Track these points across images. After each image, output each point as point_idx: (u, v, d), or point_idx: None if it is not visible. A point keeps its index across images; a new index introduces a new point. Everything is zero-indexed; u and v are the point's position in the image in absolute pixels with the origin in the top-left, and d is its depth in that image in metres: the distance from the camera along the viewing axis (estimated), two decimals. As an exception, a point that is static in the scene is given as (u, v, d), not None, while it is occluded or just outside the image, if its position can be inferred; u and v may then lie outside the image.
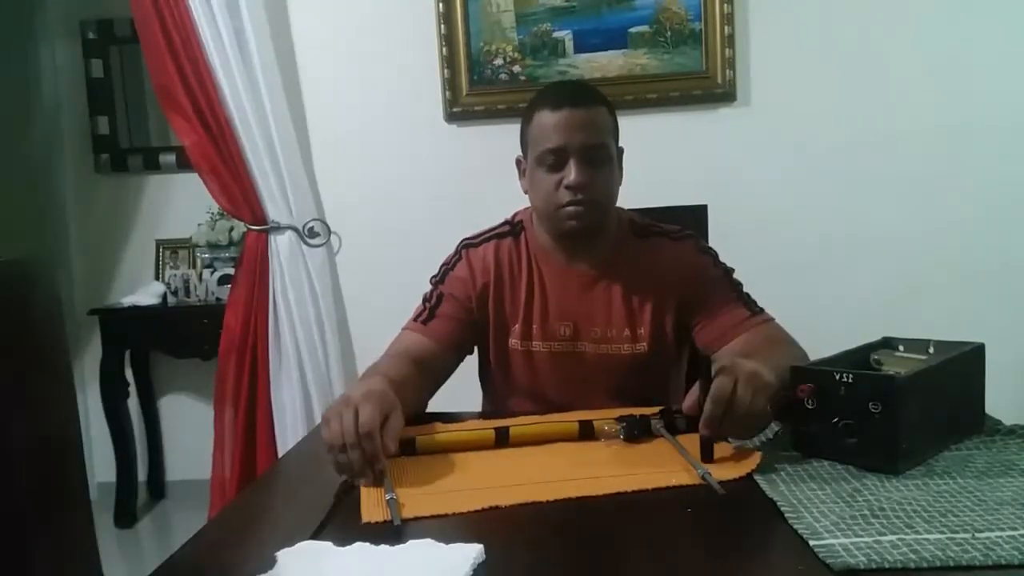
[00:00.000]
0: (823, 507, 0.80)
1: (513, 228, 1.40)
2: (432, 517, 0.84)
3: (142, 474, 2.89)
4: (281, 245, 2.50)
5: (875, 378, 0.98)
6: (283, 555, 0.74)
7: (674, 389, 1.40)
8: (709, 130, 2.52)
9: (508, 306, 1.36)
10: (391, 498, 0.86)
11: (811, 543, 0.72)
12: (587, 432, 1.08)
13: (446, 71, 2.54)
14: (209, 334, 2.55)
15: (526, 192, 1.34)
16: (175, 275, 2.70)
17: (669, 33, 2.48)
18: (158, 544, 2.66)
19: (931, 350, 1.08)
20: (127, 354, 2.77)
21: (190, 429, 2.85)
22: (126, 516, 2.72)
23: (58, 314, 1.04)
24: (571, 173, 1.23)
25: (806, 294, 2.42)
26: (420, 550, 0.75)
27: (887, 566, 0.68)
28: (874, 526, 0.75)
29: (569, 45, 2.52)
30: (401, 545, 0.76)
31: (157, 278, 2.84)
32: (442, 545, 0.74)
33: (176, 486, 2.97)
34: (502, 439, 1.07)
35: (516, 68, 2.54)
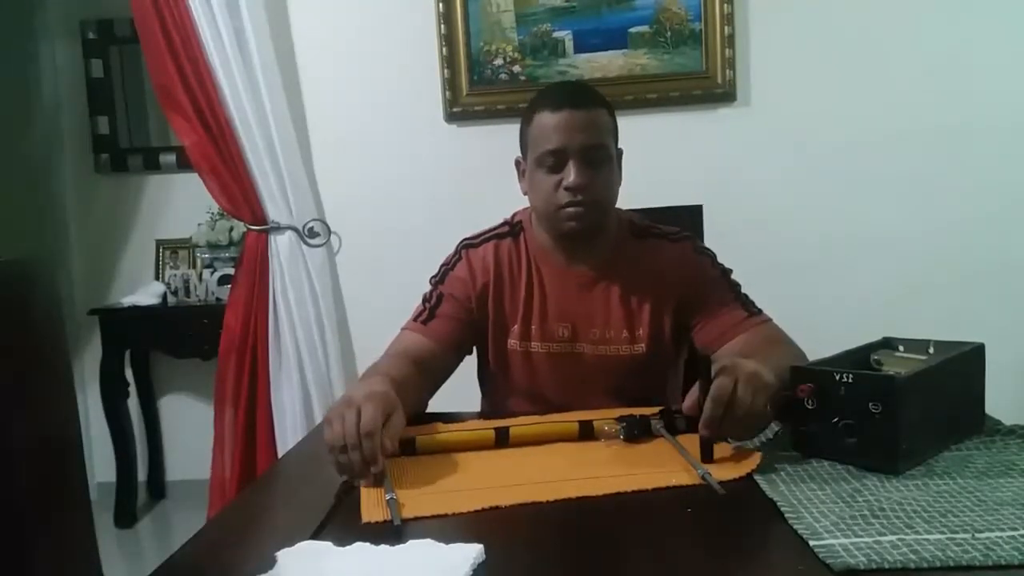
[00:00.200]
0: (823, 507, 0.80)
1: (512, 228, 1.40)
2: (432, 517, 0.84)
3: (142, 474, 2.89)
4: (281, 245, 2.50)
5: (875, 378, 0.98)
6: (283, 555, 0.74)
7: (672, 390, 1.41)
8: (709, 130, 2.52)
9: (507, 306, 1.36)
10: (391, 498, 0.86)
11: (811, 543, 0.72)
12: (587, 432, 1.08)
13: (446, 71, 2.54)
14: (209, 334, 2.55)
15: (525, 193, 1.34)
16: (175, 275, 2.70)
17: (669, 33, 2.48)
18: (158, 544, 2.66)
19: (931, 350, 1.08)
20: (127, 354, 2.77)
21: (190, 429, 2.85)
22: (126, 516, 2.72)
23: (58, 314, 1.04)
24: (571, 174, 1.23)
25: (806, 294, 2.42)
26: (420, 550, 0.75)
27: (887, 566, 0.68)
28: (874, 526, 0.75)
29: (569, 45, 2.52)
30: (401, 545, 0.76)
31: (157, 278, 2.84)
32: (442, 545, 0.74)
33: (176, 486, 2.97)
34: (502, 439, 1.07)
35: (516, 68, 2.54)
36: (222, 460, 2.51)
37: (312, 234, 2.56)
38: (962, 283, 2.46)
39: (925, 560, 0.68)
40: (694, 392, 0.98)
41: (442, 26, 2.51)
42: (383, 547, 0.76)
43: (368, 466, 0.91)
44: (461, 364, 1.39)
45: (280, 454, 2.43)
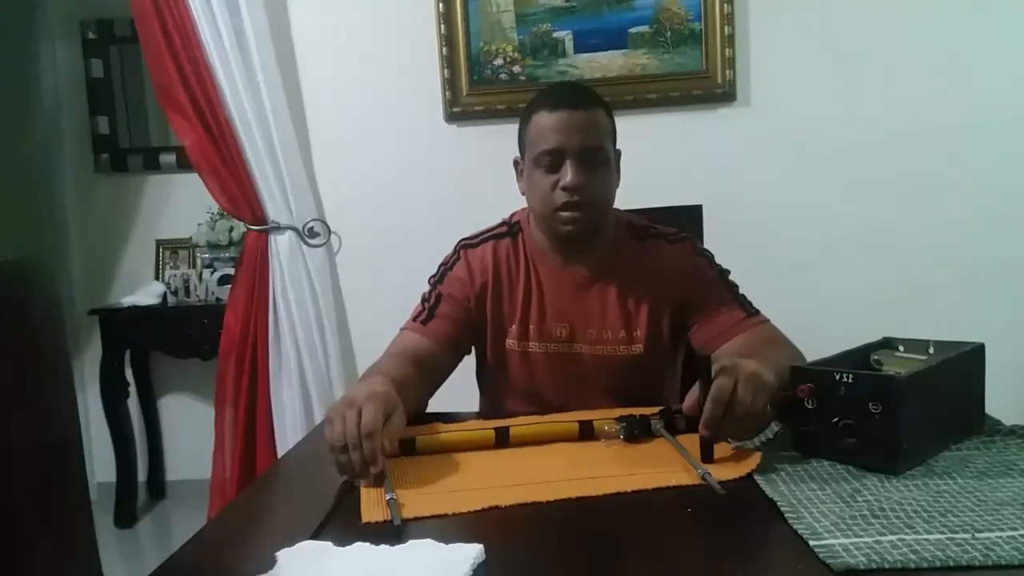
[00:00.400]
0: (823, 507, 0.80)
1: (511, 229, 1.40)
2: (432, 517, 0.84)
3: (142, 474, 2.89)
4: (281, 245, 2.50)
5: (875, 378, 0.98)
6: (283, 555, 0.74)
7: (670, 390, 1.41)
8: (709, 130, 2.52)
9: (505, 307, 1.36)
10: (391, 498, 0.86)
11: (811, 543, 0.72)
12: (587, 432, 1.08)
13: (446, 71, 2.54)
14: (209, 334, 2.55)
15: (523, 193, 1.34)
16: (175, 275, 2.70)
17: (669, 33, 2.48)
18: (158, 544, 2.66)
19: (931, 350, 1.08)
20: (127, 354, 2.77)
21: (190, 429, 2.85)
22: (126, 516, 2.72)
23: (58, 314, 1.04)
24: (567, 175, 1.23)
25: (806, 294, 2.42)
26: (420, 550, 0.75)
27: (887, 566, 0.68)
28: (874, 526, 0.75)
29: (569, 45, 2.52)
30: (401, 545, 0.76)
31: (157, 278, 2.84)
32: (442, 545, 0.74)
33: (176, 486, 2.97)
34: (502, 439, 1.07)
35: (516, 68, 2.54)
36: (222, 460, 2.51)
37: (312, 234, 2.56)
38: (962, 283, 2.46)
39: (925, 560, 0.68)
40: (694, 392, 0.98)
41: (442, 26, 2.51)
42: (383, 547, 0.76)
43: (368, 466, 0.91)
44: (460, 364, 1.39)
45: (280, 454, 2.43)
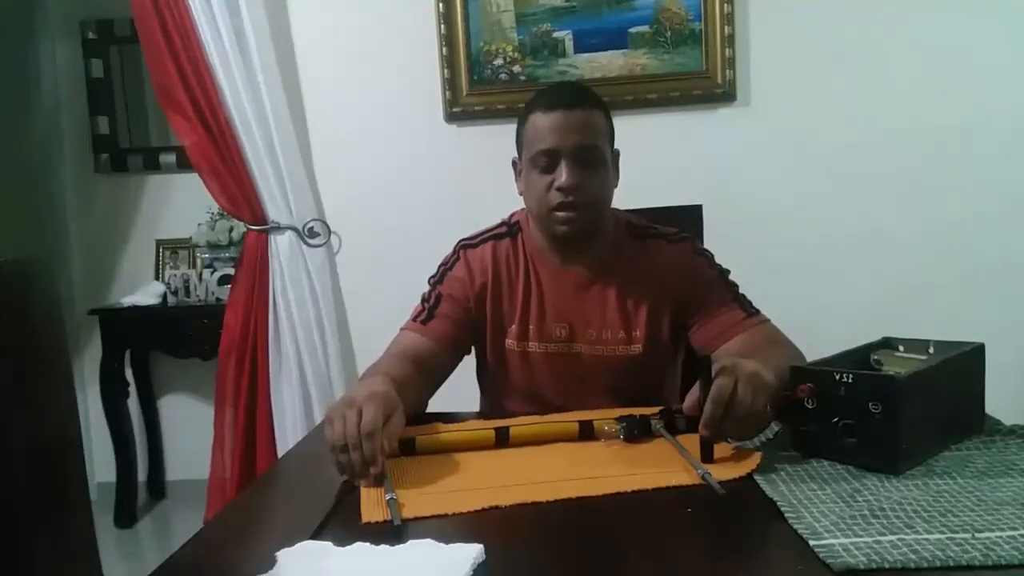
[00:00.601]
0: (823, 507, 0.80)
1: (510, 229, 1.40)
2: (432, 517, 0.84)
3: (142, 474, 2.89)
4: (281, 245, 2.50)
5: (875, 378, 0.98)
6: (283, 555, 0.74)
7: (670, 390, 1.41)
8: (709, 130, 2.52)
9: (505, 307, 1.36)
10: (391, 498, 0.86)
11: (811, 543, 0.72)
12: (587, 432, 1.08)
13: (446, 71, 2.54)
14: (209, 334, 2.55)
15: (521, 194, 1.34)
16: (175, 275, 2.70)
17: (669, 33, 2.48)
18: (158, 544, 2.66)
19: (931, 350, 1.08)
20: (127, 354, 2.77)
21: (190, 429, 2.85)
22: (126, 516, 2.72)
23: (58, 314, 1.04)
24: (563, 175, 1.23)
25: (806, 294, 2.42)
26: (420, 550, 0.75)
27: (887, 566, 0.68)
28: (874, 526, 0.75)
29: (569, 45, 2.52)
30: (401, 545, 0.76)
31: (157, 278, 2.84)
32: (442, 545, 0.74)
33: (176, 486, 2.97)
34: (502, 439, 1.07)
35: (516, 68, 2.54)
36: (222, 460, 2.51)
37: (312, 234, 2.56)
38: (962, 283, 2.46)
39: (925, 560, 0.68)
40: (694, 392, 0.98)
41: (442, 26, 2.51)
42: (383, 547, 0.76)
43: (368, 466, 0.91)
44: (461, 364, 1.39)
45: (280, 454, 2.43)
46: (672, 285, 1.32)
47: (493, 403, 1.44)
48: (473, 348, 1.42)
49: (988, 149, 2.44)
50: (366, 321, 2.64)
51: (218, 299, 2.64)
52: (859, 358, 1.09)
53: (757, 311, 1.31)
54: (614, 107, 1.34)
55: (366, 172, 2.63)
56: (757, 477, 0.91)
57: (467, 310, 1.36)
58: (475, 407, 1.47)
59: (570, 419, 1.11)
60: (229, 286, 2.58)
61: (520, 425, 1.09)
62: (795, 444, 0.98)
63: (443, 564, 0.71)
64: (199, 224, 2.75)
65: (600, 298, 1.33)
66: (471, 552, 0.72)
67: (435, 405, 1.30)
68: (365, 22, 2.58)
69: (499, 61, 2.53)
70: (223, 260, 2.73)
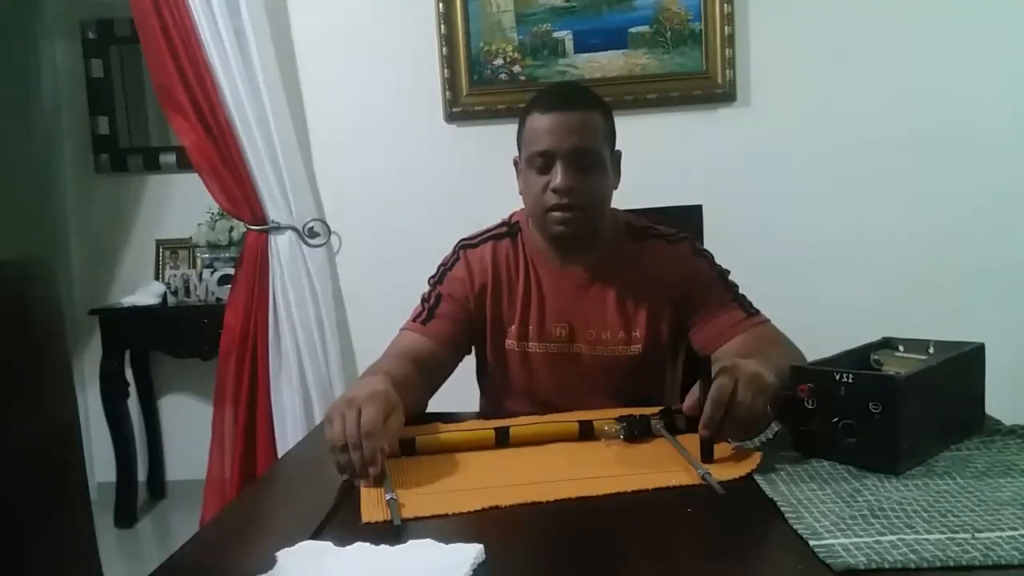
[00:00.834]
0: (823, 507, 0.80)
1: (510, 229, 1.40)
2: (432, 517, 0.84)
3: (142, 474, 2.89)
4: (281, 245, 2.50)
5: (875, 378, 0.98)
6: (283, 555, 0.74)
7: (670, 390, 1.41)
8: (709, 130, 2.52)
9: (505, 307, 1.36)
10: (391, 498, 0.86)
11: (811, 543, 0.72)
12: (587, 432, 1.08)
13: (446, 71, 2.54)
14: (209, 334, 2.55)
15: (521, 192, 1.34)
16: (175, 275, 2.70)
17: (669, 33, 2.48)
18: (158, 544, 2.66)
19: (931, 350, 1.08)
20: (127, 354, 2.77)
21: (190, 429, 2.84)
22: (126, 516, 2.72)
23: (58, 314, 1.04)
24: (557, 177, 1.23)
25: (806, 294, 2.42)
26: (420, 550, 0.75)
27: (887, 566, 0.68)
28: (874, 526, 0.75)
29: (569, 45, 2.52)
30: (401, 545, 0.76)
31: (157, 278, 2.84)
32: (442, 545, 0.74)
33: (176, 486, 2.97)
34: (502, 439, 1.07)
35: (516, 68, 2.54)
36: (221, 460, 2.51)
37: (312, 234, 2.56)
38: (962, 283, 2.46)
39: (925, 560, 0.68)
40: (694, 392, 0.98)
41: (442, 26, 2.51)
42: (383, 547, 0.76)
43: (368, 466, 0.91)
44: (461, 364, 1.39)
45: (280, 454, 2.43)
46: (672, 285, 1.32)
47: (493, 403, 1.43)
48: (473, 348, 1.42)
49: (988, 149, 2.44)
50: (366, 321, 2.64)
51: (218, 299, 2.64)
52: (859, 358, 1.09)
53: (757, 311, 1.31)
54: (614, 107, 1.34)
55: (366, 172, 2.63)
56: (757, 477, 0.91)
57: (467, 310, 1.36)
58: (475, 407, 1.47)
59: (570, 419, 1.11)
60: (229, 286, 2.58)
61: (520, 425, 1.09)
62: (795, 444, 0.98)
63: (443, 564, 0.71)
64: (199, 224, 2.75)
65: (600, 298, 1.33)
66: (471, 552, 0.72)
67: (435, 405, 1.30)
68: (365, 22, 2.58)
69: (499, 61, 2.53)
70: (223, 260, 2.73)
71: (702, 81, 2.48)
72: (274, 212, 2.49)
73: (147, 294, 2.72)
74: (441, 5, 2.50)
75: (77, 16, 2.82)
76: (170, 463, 2.99)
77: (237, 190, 2.47)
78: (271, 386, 2.51)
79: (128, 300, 2.72)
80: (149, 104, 2.83)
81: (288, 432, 2.48)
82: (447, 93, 2.55)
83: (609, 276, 1.33)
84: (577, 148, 1.23)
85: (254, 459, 2.51)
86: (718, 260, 1.37)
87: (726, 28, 2.44)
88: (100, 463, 2.83)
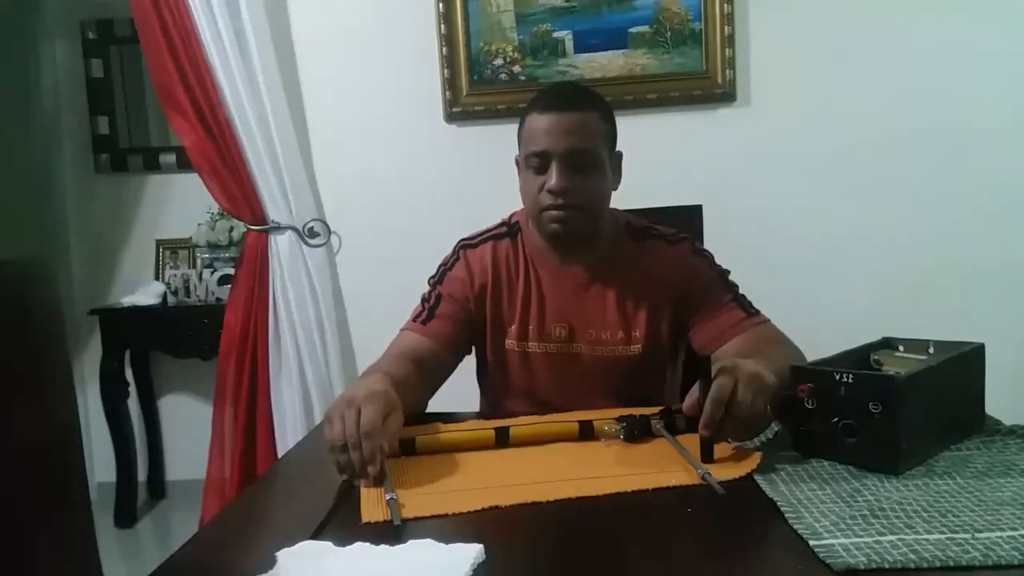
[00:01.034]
0: (823, 507, 0.80)
1: (510, 229, 1.40)
2: (432, 517, 0.84)
3: (142, 474, 2.89)
4: (281, 245, 2.50)
5: (875, 378, 0.98)
6: (283, 555, 0.74)
7: (670, 390, 1.40)
8: (709, 130, 2.52)
9: (505, 307, 1.36)
10: (391, 498, 0.86)
11: (811, 543, 0.72)
12: (587, 432, 1.08)
13: (446, 71, 2.54)
14: (209, 334, 2.55)
15: (521, 192, 1.34)
16: (175, 275, 2.70)
17: (669, 33, 2.48)
18: (158, 544, 2.66)
19: (931, 350, 1.08)
20: (127, 354, 2.77)
21: (190, 429, 2.84)
22: (126, 516, 2.72)
23: (58, 314, 1.04)
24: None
25: (806, 294, 2.42)
26: (420, 550, 0.75)
27: (887, 566, 0.68)
28: (874, 526, 0.75)
29: (569, 45, 2.52)
30: (401, 545, 0.76)
31: (157, 278, 2.84)
32: (442, 545, 0.74)
33: (176, 486, 2.97)
34: (502, 439, 1.07)
35: (516, 68, 2.54)
36: (220, 460, 2.51)
37: (312, 234, 2.56)
38: (962, 283, 2.46)
39: (925, 560, 0.68)
40: (694, 392, 0.98)
41: (442, 26, 2.51)
42: (383, 547, 0.76)
43: (368, 466, 0.91)
44: (461, 364, 1.39)
45: (280, 454, 2.43)
46: (672, 286, 1.32)
47: (493, 403, 1.43)
48: (473, 348, 1.42)
49: (988, 149, 2.44)
50: (366, 321, 2.64)
51: (218, 299, 2.64)
52: (859, 358, 1.09)
53: (757, 311, 1.31)
54: (614, 107, 1.34)
55: (366, 172, 2.63)
56: (757, 477, 0.91)
57: (467, 310, 1.36)
58: (475, 407, 1.47)
59: (570, 419, 1.11)
60: (229, 286, 2.58)
61: (520, 425, 1.09)
62: (795, 444, 0.98)
63: (443, 564, 0.71)
64: (199, 224, 2.75)
65: (600, 298, 1.33)
66: (471, 552, 0.72)
67: (435, 405, 1.30)
68: (365, 22, 2.58)
69: (499, 61, 2.53)
70: (223, 260, 2.73)
71: (702, 81, 2.48)
72: (274, 212, 2.49)
73: (147, 294, 2.72)
74: (441, 5, 2.50)
75: (77, 16, 2.82)
76: (170, 463, 2.99)
77: (237, 190, 2.47)
78: (271, 386, 2.51)
79: (128, 300, 2.72)
80: (149, 104, 2.83)
81: (288, 432, 2.48)
82: (447, 93, 2.55)
83: (609, 276, 1.33)
84: (574, 149, 1.23)
85: (254, 459, 2.51)
86: (718, 260, 1.37)
87: (726, 28, 2.44)
88: (100, 463, 2.83)
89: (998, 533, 0.72)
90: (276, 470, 1.40)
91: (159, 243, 2.88)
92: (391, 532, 0.80)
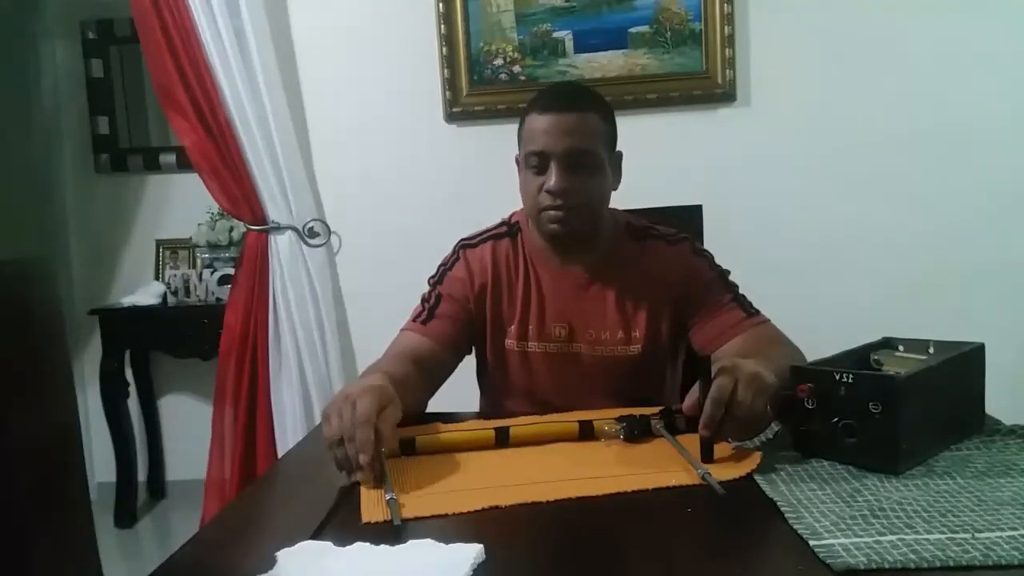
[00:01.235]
0: (823, 507, 0.80)
1: (510, 229, 1.41)
2: (432, 517, 0.84)
3: (142, 474, 2.89)
4: (281, 245, 2.50)
5: (875, 378, 0.98)
6: (283, 555, 0.74)
7: (670, 390, 1.41)
8: (709, 130, 2.52)
9: (505, 307, 1.36)
10: (391, 498, 0.86)
11: (811, 543, 0.72)
12: (587, 432, 1.08)
13: (446, 71, 2.54)
14: (209, 334, 2.55)
15: (521, 191, 1.34)
16: (175, 275, 2.70)
17: (669, 33, 2.48)
18: (158, 544, 2.66)
19: (931, 350, 1.08)
20: (127, 354, 2.77)
21: (190, 429, 2.84)
22: (126, 516, 2.72)
23: (58, 314, 1.04)
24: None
25: (806, 294, 2.42)
26: (420, 550, 0.75)
27: (887, 566, 0.68)
28: (874, 526, 0.75)
29: (569, 45, 2.52)
30: (401, 545, 0.76)
31: (157, 278, 2.84)
32: (442, 545, 0.74)
33: (176, 486, 2.97)
34: (502, 439, 1.07)
35: (516, 68, 2.54)
36: (220, 460, 2.51)
37: (312, 234, 2.56)
38: (962, 283, 2.46)
39: (925, 560, 0.68)
40: (694, 392, 0.98)
41: (442, 26, 2.51)
42: (383, 547, 0.76)
43: (360, 454, 0.90)
44: (461, 364, 1.39)
45: (280, 454, 2.43)
46: (672, 286, 1.32)
47: (493, 403, 1.43)
48: (473, 348, 1.42)
49: (988, 149, 2.44)
50: (366, 321, 2.64)
51: (218, 299, 2.64)
52: (859, 358, 1.09)
53: (757, 311, 1.31)
54: (614, 107, 1.33)
55: (366, 172, 2.63)
56: (757, 477, 0.91)
57: (467, 310, 1.36)
58: (475, 407, 1.47)
59: (570, 419, 1.11)
60: (229, 286, 2.58)
61: (520, 425, 1.09)
62: (795, 444, 0.98)
63: (443, 564, 0.71)
64: (199, 224, 2.75)
65: (600, 298, 1.33)
66: (471, 552, 0.72)
67: (435, 405, 1.30)
68: (365, 22, 2.58)
69: (499, 61, 2.53)
70: (223, 260, 2.73)
71: (702, 81, 2.48)
72: (274, 212, 2.49)
73: (147, 294, 2.72)
74: (441, 5, 2.50)
75: (77, 16, 2.82)
76: (170, 463, 2.99)
77: (237, 190, 2.47)
78: (271, 386, 2.51)
79: (128, 300, 2.72)
80: (149, 104, 2.83)
81: (288, 432, 2.48)
82: (447, 93, 2.55)
83: (609, 276, 1.33)
84: (573, 149, 1.23)
85: (254, 459, 2.51)
86: (718, 260, 1.37)
87: (726, 28, 2.44)
88: (100, 463, 2.83)
89: (998, 533, 0.72)
90: (276, 470, 1.40)
91: (159, 243, 2.88)
92: (391, 532, 0.80)
